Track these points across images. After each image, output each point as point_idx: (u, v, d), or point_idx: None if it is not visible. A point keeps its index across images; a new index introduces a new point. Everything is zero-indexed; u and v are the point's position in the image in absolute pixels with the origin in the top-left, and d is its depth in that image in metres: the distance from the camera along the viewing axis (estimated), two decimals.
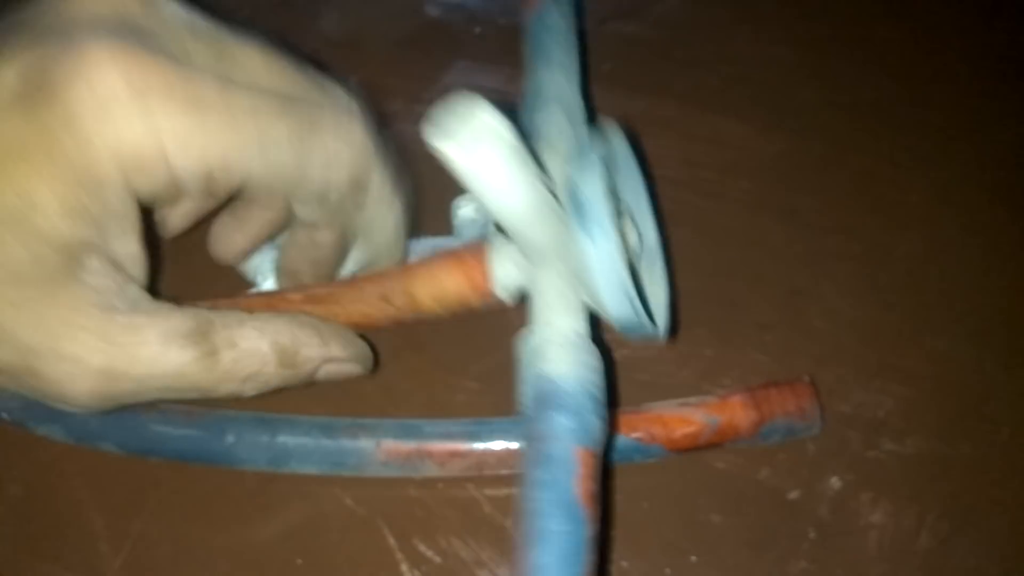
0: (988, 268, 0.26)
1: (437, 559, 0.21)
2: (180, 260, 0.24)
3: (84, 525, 0.22)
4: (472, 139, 0.17)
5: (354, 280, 0.23)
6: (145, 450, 0.22)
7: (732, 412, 0.22)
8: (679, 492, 0.22)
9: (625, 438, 0.21)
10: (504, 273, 0.21)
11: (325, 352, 0.20)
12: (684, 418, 0.22)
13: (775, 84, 0.30)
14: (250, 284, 0.25)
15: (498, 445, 0.21)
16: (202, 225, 0.24)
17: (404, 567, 0.21)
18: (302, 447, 0.22)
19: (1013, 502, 0.22)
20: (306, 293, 0.22)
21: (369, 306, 0.22)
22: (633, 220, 0.21)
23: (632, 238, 0.21)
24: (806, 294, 0.25)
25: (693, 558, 0.21)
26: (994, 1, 0.33)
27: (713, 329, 0.25)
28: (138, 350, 0.17)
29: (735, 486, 0.22)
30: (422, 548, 0.21)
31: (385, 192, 0.21)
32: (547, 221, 0.19)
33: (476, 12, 0.33)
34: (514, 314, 0.22)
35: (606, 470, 0.21)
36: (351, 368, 0.21)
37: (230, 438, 0.22)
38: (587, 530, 0.16)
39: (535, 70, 0.24)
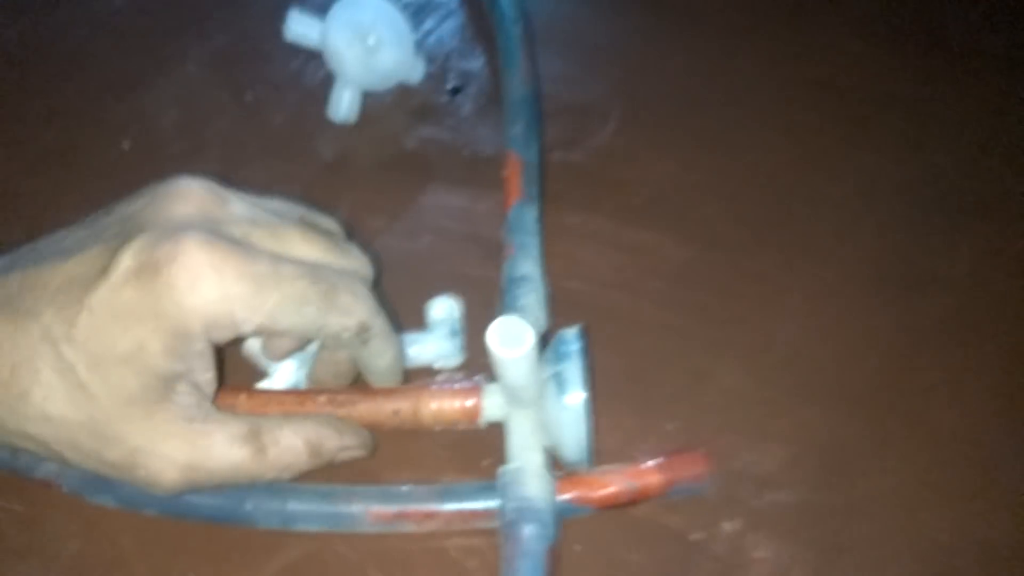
0: (853, 352, 0.32)
1: None
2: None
3: (130, 572, 0.27)
4: (515, 346, 0.24)
5: (371, 392, 0.29)
6: (180, 515, 0.27)
7: (645, 478, 0.27)
8: (605, 536, 0.28)
9: (560, 500, 0.27)
10: (491, 411, 0.28)
11: (341, 443, 0.27)
12: (607, 483, 0.27)
13: (686, 203, 0.37)
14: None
15: (462, 506, 0.27)
16: None
17: None
18: (306, 512, 0.27)
19: (869, 541, 0.28)
20: (329, 396, 0.28)
21: (380, 415, 0.28)
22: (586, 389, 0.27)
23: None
24: (706, 374, 0.32)
25: None
26: (863, 123, 0.40)
27: (632, 403, 0.31)
28: (210, 450, 0.24)
29: (649, 530, 0.28)
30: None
31: (384, 332, 0.27)
32: (532, 387, 0.26)
33: (446, 143, 0.40)
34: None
35: None
36: (360, 453, 0.28)
37: (249, 505, 0.27)
38: None
39: (517, 261, 0.31)
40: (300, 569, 0.27)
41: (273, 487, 0.27)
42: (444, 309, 0.32)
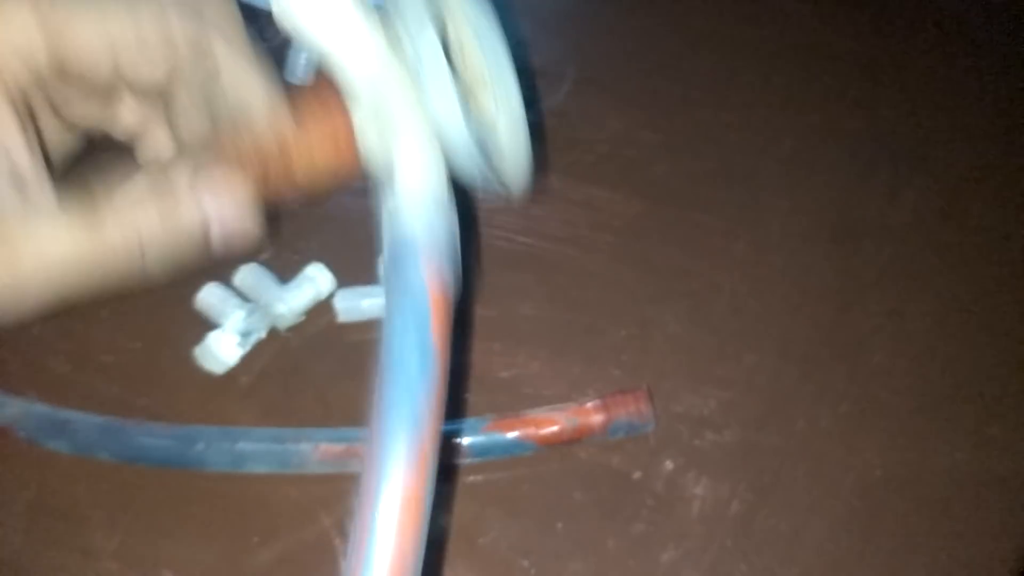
0: (793, 300, 0.33)
1: None
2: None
3: (84, 519, 0.28)
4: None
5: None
6: (133, 458, 0.28)
7: (587, 415, 0.28)
8: (551, 476, 0.29)
9: (505, 436, 0.28)
10: (367, 135, 0.21)
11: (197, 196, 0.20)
12: (550, 420, 0.28)
13: (636, 160, 0.37)
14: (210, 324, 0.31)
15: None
16: None
17: (336, 541, 0.27)
18: (256, 451, 0.28)
19: (805, 478, 0.29)
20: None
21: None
22: (496, 82, 0.22)
23: (492, 103, 0.21)
24: (652, 323, 0.32)
25: (559, 524, 0.28)
26: (806, 82, 0.41)
27: (580, 351, 0.31)
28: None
29: (593, 470, 0.29)
30: (351, 526, 0.27)
31: (239, 59, 0.22)
32: (396, 86, 0.19)
33: None
34: None
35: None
36: (234, 225, 0.21)
37: (200, 446, 0.28)
38: (440, 369, 0.17)
39: None
40: (250, 513, 0.28)
41: (225, 428, 0.28)
42: None
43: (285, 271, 0.32)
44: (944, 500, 0.28)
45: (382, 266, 0.19)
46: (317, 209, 0.36)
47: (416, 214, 0.19)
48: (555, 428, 0.28)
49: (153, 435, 0.28)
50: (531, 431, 0.28)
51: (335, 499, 0.28)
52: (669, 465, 0.29)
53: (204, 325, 0.31)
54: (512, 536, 0.27)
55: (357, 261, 0.32)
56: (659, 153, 0.38)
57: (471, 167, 0.20)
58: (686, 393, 0.31)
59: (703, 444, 0.29)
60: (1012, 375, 0.31)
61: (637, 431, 0.29)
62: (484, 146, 0.20)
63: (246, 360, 0.31)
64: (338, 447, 0.28)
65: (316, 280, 0.32)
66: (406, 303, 0.18)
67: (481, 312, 0.32)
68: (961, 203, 0.36)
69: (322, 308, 0.32)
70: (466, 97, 0.20)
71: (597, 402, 0.28)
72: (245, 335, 0.30)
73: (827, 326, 0.33)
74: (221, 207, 0.21)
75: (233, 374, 0.31)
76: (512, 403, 0.30)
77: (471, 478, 0.28)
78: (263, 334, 0.31)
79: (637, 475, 0.29)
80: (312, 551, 0.27)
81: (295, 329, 0.32)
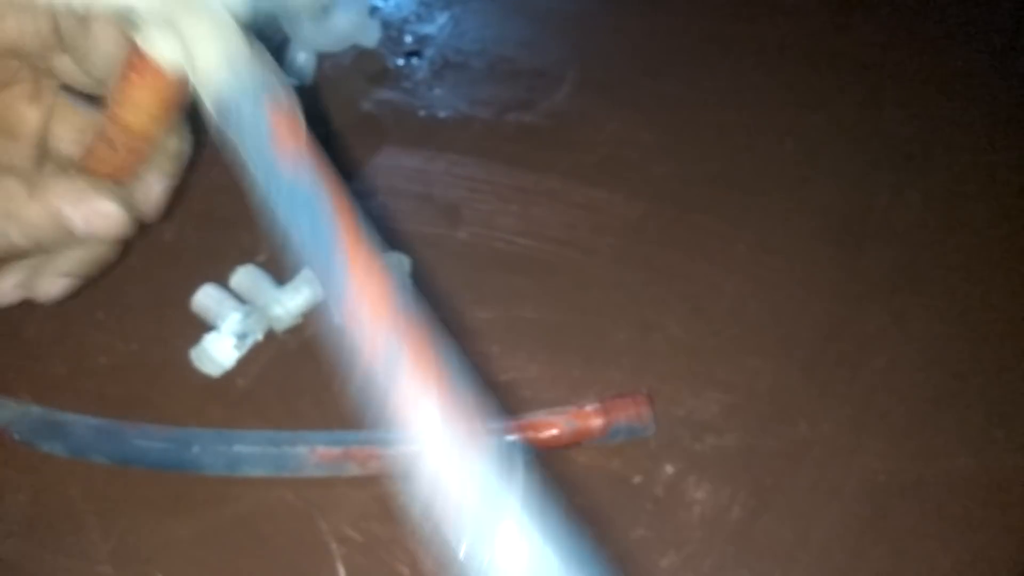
0: (795, 303, 0.33)
1: (359, 538, 0.27)
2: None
3: (79, 521, 0.27)
4: None
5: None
6: (128, 460, 0.28)
7: (586, 419, 0.28)
8: (549, 481, 0.28)
9: (505, 440, 0.28)
10: (162, 49, 0.20)
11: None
12: (549, 424, 0.28)
13: (637, 162, 0.37)
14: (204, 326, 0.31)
15: (406, 449, 0.28)
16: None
17: (334, 546, 0.27)
18: (253, 454, 0.27)
19: (806, 482, 0.28)
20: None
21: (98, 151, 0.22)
22: None
23: None
24: (653, 326, 0.32)
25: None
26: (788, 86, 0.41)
27: (580, 354, 0.31)
28: None
29: (592, 475, 0.28)
30: (347, 530, 0.27)
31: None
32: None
33: (401, 106, 0.40)
34: None
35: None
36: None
37: (196, 449, 0.27)
38: (291, 175, 0.17)
39: None
40: (246, 517, 0.27)
41: (221, 431, 0.28)
42: (393, 263, 0.32)
43: (282, 273, 0.32)
44: (948, 504, 0.28)
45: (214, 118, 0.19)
46: None
47: (228, 74, 0.19)
48: (554, 432, 0.28)
49: (149, 438, 0.28)
50: (529, 435, 0.28)
51: (332, 504, 0.28)
52: (669, 469, 0.29)
53: (201, 327, 0.31)
54: None
55: None
56: (660, 154, 0.38)
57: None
58: (687, 396, 0.30)
59: (704, 448, 0.29)
60: (1017, 378, 0.31)
61: (637, 435, 0.29)
62: None
63: (243, 363, 0.30)
64: (335, 451, 0.27)
65: (313, 282, 0.31)
66: (244, 127, 0.18)
67: (480, 314, 0.32)
68: (966, 204, 0.36)
69: (319, 310, 0.32)
70: None
71: (597, 406, 0.28)
72: (242, 337, 0.30)
73: (830, 329, 0.32)
74: (77, 211, 0.22)
75: (230, 376, 0.30)
76: (511, 406, 0.30)
77: None
78: (260, 336, 0.31)
79: (637, 479, 0.28)
80: (309, 556, 0.27)
81: (292, 331, 0.31)
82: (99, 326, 0.32)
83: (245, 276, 0.31)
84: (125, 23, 0.21)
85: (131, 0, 0.19)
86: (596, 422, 0.28)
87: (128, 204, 0.23)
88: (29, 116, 0.25)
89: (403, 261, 0.32)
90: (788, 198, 0.36)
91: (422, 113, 0.40)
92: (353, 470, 0.28)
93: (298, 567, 0.26)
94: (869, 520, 0.28)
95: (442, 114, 0.39)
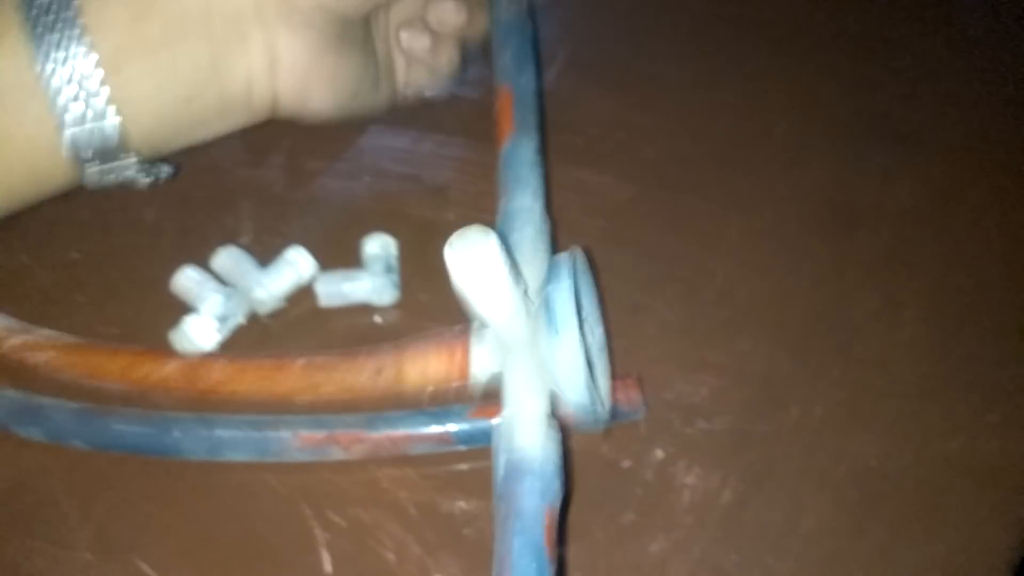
0: (787, 286, 0.33)
1: (343, 524, 0.27)
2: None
3: (58, 508, 0.27)
4: (477, 264, 0.21)
5: (352, 353, 0.27)
6: (108, 445, 0.27)
7: None
8: None
9: (491, 423, 0.27)
10: (482, 361, 0.25)
11: None
12: None
13: (628, 143, 0.37)
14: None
15: (390, 432, 0.27)
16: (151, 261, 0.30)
17: (318, 532, 0.26)
18: (234, 438, 0.27)
19: (797, 467, 0.28)
20: (308, 360, 0.26)
21: (361, 376, 0.26)
22: (590, 323, 0.25)
23: (589, 338, 0.25)
24: (644, 309, 0.32)
25: None
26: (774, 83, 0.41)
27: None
28: None
29: (581, 459, 0.28)
30: (332, 516, 0.27)
31: None
32: (522, 324, 0.23)
33: None
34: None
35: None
36: None
37: (176, 433, 0.27)
38: (551, 570, 0.20)
39: (511, 194, 0.28)
40: (229, 503, 0.27)
41: (202, 415, 0.27)
42: (379, 245, 0.31)
43: (265, 255, 0.31)
44: (940, 489, 0.28)
45: (496, 481, 0.22)
46: (298, 192, 0.35)
47: (531, 434, 0.22)
48: None
49: (128, 422, 0.27)
50: None
51: (316, 488, 0.27)
52: (659, 454, 0.28)
53: (181, 310, 0.30)
54: None
55: (339, 245, 0.31)
56: (650, 136, 0.37)
57: (578, 397, 0.23)
58: (677, 380, 0.30)
59: (694, 432, 0.29)
60: (1010, 363, 0.31)
61: (626, 419, 0.28)
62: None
63: (224, 346, 0.30)
64: (319, 434, 0.27)
65: (297, 264, 0.31)
66: (522, 514, 0.21)
67: None
68: (958, 188, 0.36)
69: (303, 293, 0.31)
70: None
71: None
72: (223, 320, 0.29)
73: (822, 312, 0.32)
74: None
75: None
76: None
77: (457, 466, 0.28)
78: (242, 319, 0.30)
79: (627, 464, 0.28)
80: (293, 542, 0.26)
81: (275, 315, 0.31)
82: (78, 308, 0.31)
83: (227, 258, 0.31)
84: None
85: (491, 323, 0.23)
86: None
87: None
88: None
89: (389, 243, 0.31)
90: (779, 181, 0.36)
91: (408, 93, 0.39)
92: (337, 454, 0.27)
93: (282, 553, 0.26)
94: (861, 504, 0.27)
95: (428, 94, 0.38)
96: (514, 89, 0.31)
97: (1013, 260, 0.33)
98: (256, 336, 0.30)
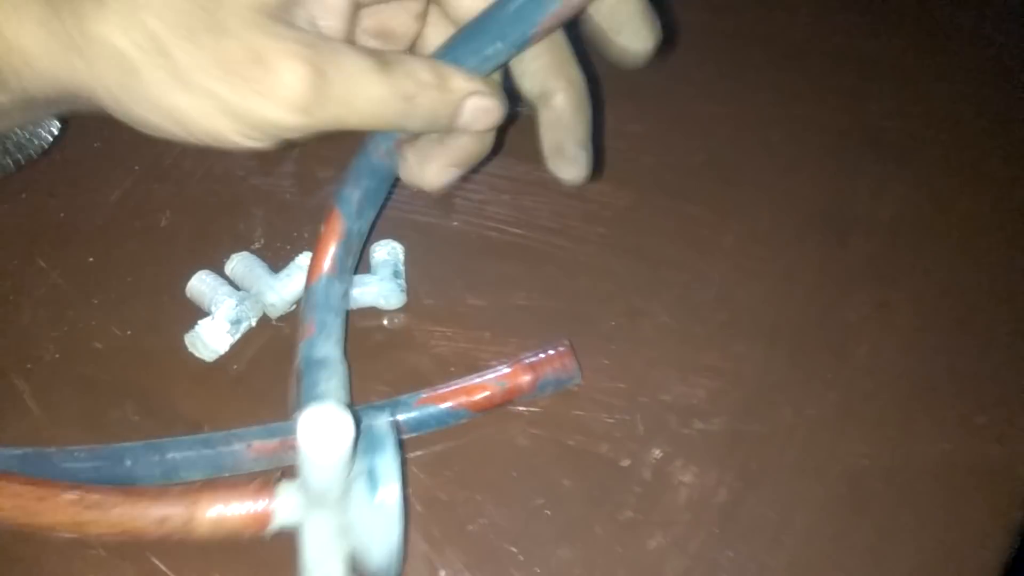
0: (781, 291, 0.33)
1: None
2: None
3: None
4: (333, 443, 0.21)
5: (134, 492, 0.24)
6: (60, 478, 0.26)
7: (516, 378, 0.29)
8: (538, 463, 0.29)
9: (439, 408, 0.28)
10: (283, 516, 0.24)
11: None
12: (481, 386, 0.29)
13: (626, 152, 0.38)
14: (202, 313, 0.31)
15: None
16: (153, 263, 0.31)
17: None
18: (188, 459, 0.27)
19: (791, 466, 0.29)
20: (80, 494, 0.24)
21: (142, 523, 0.24)
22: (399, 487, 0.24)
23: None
24: (642, 313, 0.33)
25: (547, 511, 0.28)
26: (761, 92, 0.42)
27: (570, 340, 0.31)
28: (340, 67, 0.22)
29: (581, 458, 0.29)
30: None
31: None
32: (339, 486, 0.23)
33: None
34: None
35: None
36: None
37: (128, 462, 0.26)
38: None
39: (315, 341, 0.28)
40: None
41: (151, 441, 0.27)
42: (387, 251, 0.32)
43: (277, 260, 0.32)
44: (932, 489, 0.29)
45: None
46: (309, 199, 0.36)
47: None
48: (487, 394, 0.29)
49: (76, 460, 0.26)
50: (463, 400, 0.29)
51: None
52: (657, 453, 0.29)
53: (195, 313, 0.31)
54: (500, 522, 0.27)
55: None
56: (648, 145, 0.38)
57: (384, 564, 0.24)
58: (674, 382, 0.31)
59: (691, 433, 0.30)
60: (998, 366, 0.32)
61: (565, 385, 0.30)
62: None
63: (237, 349, 0.31)
64: (271, 443, 0.27)
65: (307, 269, 0.32)
66: None
67: (472, 301, 0.33)
68: (946, 197, 0.37)
69: None
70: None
71: (523, 363, 0.29)
72: (235, 323, 0.30)
73: (815, 316, 0.33)
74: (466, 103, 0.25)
75: (223, 362, 0.31)
76: None
77: (458, 467, 0.29)
78: (254, 323, 0.31)
79: (625, 463, 0.29)
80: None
81: (286, 318, 0.32)
82: (94, 311, 0.32)
83: (240, 263, 0.32)
84: None
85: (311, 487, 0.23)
86: (525, 379, 0.29)
87: (502, 95, 0.26)
88: (410, 28, 0.27)
89: (396, 248, 0.32)
90: (774, 188, 0.37)
91: None
92: (292, 459, 0.26)
93: (295, 549, 0.27)
94: (853, 503, 0.28)
95: None
96: (346, 229, 0.29)
97: (1001, 267, 0.34)
98: (267, 338, 0.31)
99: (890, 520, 0.28)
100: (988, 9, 0.45)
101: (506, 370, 0.29)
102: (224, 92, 0.21)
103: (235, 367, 0.31)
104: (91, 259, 0.34)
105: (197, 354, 0.30)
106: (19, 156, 0.34)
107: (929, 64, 0.42)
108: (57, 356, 0.31)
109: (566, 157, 0.28)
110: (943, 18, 0.45)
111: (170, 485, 0.26)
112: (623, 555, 0.27)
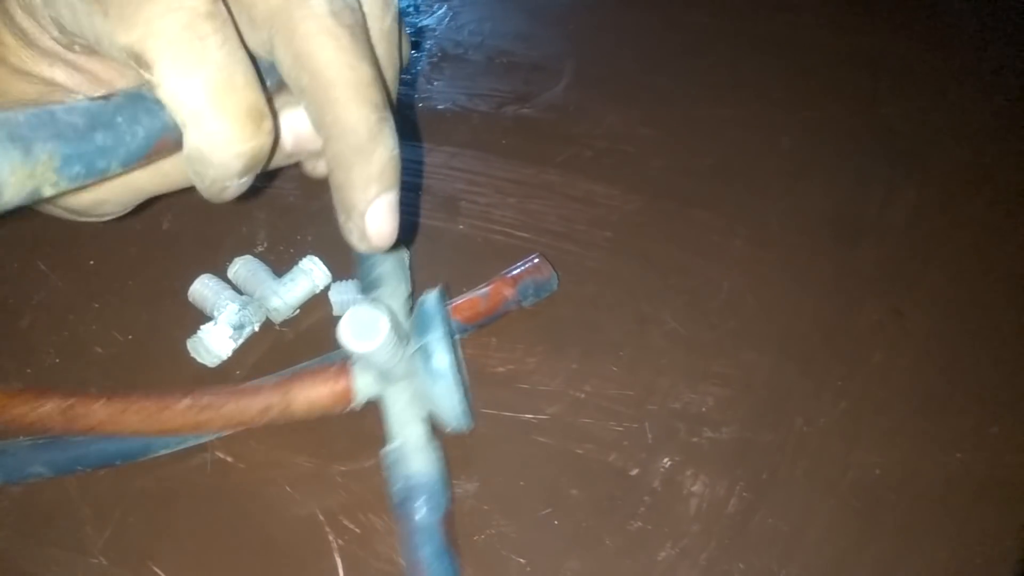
0: (792, 298, 0.33)
1: (357, 530, 0.27)
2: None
3: (74, 514, 0.27)
4: (369, 339, 0.24)
5: (237, 391, 0.27)
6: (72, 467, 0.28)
7: (500, 290, 0.31)
8: (546, 472, 0.28)
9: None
10: (365, 389, 0.27)
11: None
12: (472, 303, 0.30)
13: (634, 156, 0.37)
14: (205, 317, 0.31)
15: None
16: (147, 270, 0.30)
17: (331, 537, 0.27)
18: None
19: (802, 476, 0.29)
20: (193, 398, 0.26)
21: (248, 414, 0.27)
22: (454, 349, 0.27)
23: (458, 367, 0.28)
24: (650, 319, 0.32)
25: (556, 521, 0.27)
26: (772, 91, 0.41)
27: (578, 347, 0.31)
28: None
29: (590, 466, 0.28)
30: (345, 522, 0.27)
31: None
32: (402, 363, 0.26)
33: (399, 98, 0.40)
34: None
35: None
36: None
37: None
38: (455, 560, 0.25)
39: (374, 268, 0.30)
40: (242, 508, 0.27)
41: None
42: (393, 256, 0.32)
43: (280, 264, 0.32)
44: (943, 499, 0.28)
45: (393, 505, 0.26)
46: (312, 203, 0.35)
47: (417, 459, 0.26)
48: (479, 308, 0.30)
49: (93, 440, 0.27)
50: (458, 317, 0.30)
51: (329, 495, 0.28)
52: (667, 462, 0.29)
53: (197, 318, 0.30)
54: (508, 532, 0.27)
55: (352, 255, 0.32)
56: (657, 149, 0.38)
57: (456, 422, 0.27)
58: (684, 390, 0.30)
59: (701, 442, 0.29)
60: (1012, 374, 0.31)
61: (545, 291, 0.32)
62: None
63: (240, 354, 0.30)
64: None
65: (311, 274, 0.31)
66: (425, 534, 0.25)
67: None
68: (959, 202, 0.36)
69: (317, 302, 0.32)
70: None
71: (505, 277, 0.31)
72: (238, 328, 0.30)
73: (826, 324, 0.32)
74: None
75: (226, 367, 0.30)
76: (509, 397, 0.30)
77: (468, 482, 0.28)
78: (256, 328, 0.31)
79: (634, 472, 0.28)
80: (307, 548, 0.27)
81: (289, 323, 0.31)
82: (95, 315, 0.31)
83: (243, 267, 0.31)
84: None
85: (376, 365, 0.26)
86: (508, 289, 0.31)
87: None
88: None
89: (402, 253, 0.32)
90: (784, 193, 0.36)
91: (420, 105, 0.39)
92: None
93: (296, 558, 0.26)
94: (864, 514, 0.28)
95: (440, 107, 0.39)
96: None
97: (1015, 274, 0.34)
98: (270, 343, 0.31)
99: (902, 531, 0.27)
100: (1002, 10, 0.45)
101: (490, 286, 0.31)
102: None
103: (238, 373, 0.30)
104: (92, 262, 0.33)
105: (199, 359, 0.30)
106: None
107: (942, 67, 0.42)
108: (57, 361, 0.31)
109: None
110: (956, 19, 0.44)
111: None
112: (632, 566, 0.27)
